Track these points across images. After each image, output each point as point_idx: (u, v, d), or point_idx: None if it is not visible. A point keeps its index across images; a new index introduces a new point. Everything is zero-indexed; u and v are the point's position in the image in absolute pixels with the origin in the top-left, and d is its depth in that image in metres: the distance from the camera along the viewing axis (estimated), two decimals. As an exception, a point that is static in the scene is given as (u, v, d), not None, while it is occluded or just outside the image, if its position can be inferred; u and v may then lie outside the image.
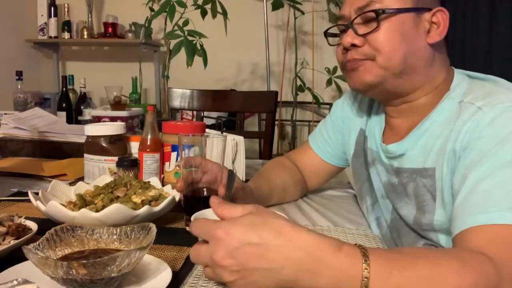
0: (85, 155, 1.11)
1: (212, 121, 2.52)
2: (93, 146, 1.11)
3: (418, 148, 0.84)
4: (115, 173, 1.05)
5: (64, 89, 2.56)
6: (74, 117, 2.47)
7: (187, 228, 0.83)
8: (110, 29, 3.11)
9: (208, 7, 2.36)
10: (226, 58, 3.05)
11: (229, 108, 2.23)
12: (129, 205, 0.78)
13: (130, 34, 3.11)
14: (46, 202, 0.78)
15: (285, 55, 3.07)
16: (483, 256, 0.56)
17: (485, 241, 0.60)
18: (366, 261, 0.51)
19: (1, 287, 0.50)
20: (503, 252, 0.58)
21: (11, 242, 0.67)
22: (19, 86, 2.51)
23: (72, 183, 1.00)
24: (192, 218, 0.71)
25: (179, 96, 1.98)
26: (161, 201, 0.83)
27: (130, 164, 1.02)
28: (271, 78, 2.95)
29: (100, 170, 1.09)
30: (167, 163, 1.07)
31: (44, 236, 0.59)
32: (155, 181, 0.94)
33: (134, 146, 1.14)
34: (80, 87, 2.51)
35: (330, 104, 2.84)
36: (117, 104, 1.59)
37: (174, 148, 1.06)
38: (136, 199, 0.82)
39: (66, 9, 3.17)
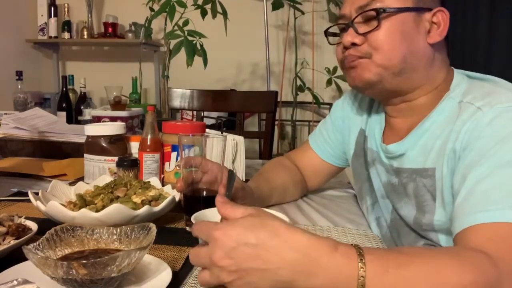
0: (85, 155, 1.11)
1: (212, 121, 2.52)
2: (93, 146, 1.11)
3: (418, 148, 0.84)
4: (115, 173, 1.05)
5: (64, 89, 2.56)
6: (74, 117, 2.47)
7: (187, 228, 0.83)
8: (110, 29, 3.11)
9: (208, 7, 2.36)
10: (226, 58, 3.05)
11: (229, 108, 2.23)
12: (129, 205, 0.78)
13: (130, 34, 3.11)
14: (46, 202, 0.78)
15: (285, 55, 3.07)
16: (482, 254, 0.56)
17: (485, 239, 0.60)
18: (361, 260, 0.51)
19: (1, 287, 0.50)
20: (503, 250, 0.58)
21: (11, 242, 0.67)
22: (19, 86, 2.51)
23: (72, 183, 1.00)
24: (192, 218, 0.71)
25: (179, 96, 1.98)
26: (161, 201, 0.83)
27: (130, 164, 1.02)
28: (271, 78, 2.95)
29: (100, 170, 1.09)
30: (167, 163, 1.07)
31: (44, 236, 0.59)
32: (155, 181, 0.94)
33: (134, 146, 1.14)
34: (80, 87, 2.51)
35: (330, 104, 2.84)
36: (117, 104, 1.59)
37: (174, 148, 1.06)
38: (136, 199, 0.82)
39: (66, 9, 3.17)
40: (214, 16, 2.34)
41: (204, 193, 0.84)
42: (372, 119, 0.98)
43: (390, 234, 0.96)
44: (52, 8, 3.13)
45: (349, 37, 0.83)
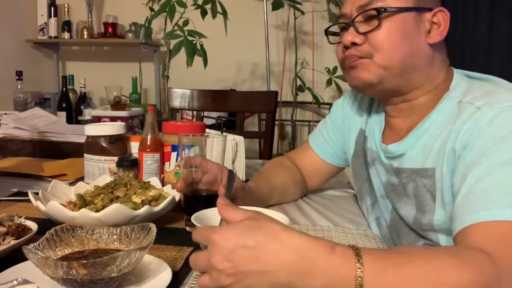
0: (85, 155, 1.11)
1: (212, 121, 2.52)
2: (93, 146, 1.11)
3: (418, 148, 0.84)
4: (115, 173, 1.05)
5: (64, 89, 2.56)
6: (74, 117, 2.47)
7: (187, 228, 0.83)
8: (110, 29, 3.11)
9: (208, 7, 2.36)
10: (226, 58, 3.05)
11: (229, 108, 2.23)
12: (129, 205, 0.78)
13: (130, 34, 3.11)
14: (46, 202, 0.78)
15: (285, 55, 3.07)
16: (482, 252, 0.56)
17: (485, 238, 0.61)
18: (359, 261, 0.51)
19: (1, 287, 0.50)
20: (503, 249, 0.58)
21: (11, 242, 0.67)
22: (19, 86, 2.51)
23: (72, 183, 1.00)
24: (192, 218, 0.71)
25: (179, 96, 1.98)
26: (161, 201, 0.83)
27: (130, 164, 1.02)
28: (271, 78, 2.95)
29: (100, 170, 1.09)
30: (167, 163, 1.07)
31: (44, 236, 0.59)
32: (155, 181, 0.94)
33: (134, 146, 1.14)
34: (80, 87, 2.51)
35: (330, 104, 2.84)
36: (117, 104, 1.59)
37: (174, 148, 1.06)
38: (136, 199, 0.82)
39: (66, 9, 3.17)
40: (214, 16, 2.34)
41: (204, 193, 0.84)
42: (372, 119, 0.98)
43: (390, 234, 0.96)
44: (52, 8, 3.13)
45: (350, 36, 0.83)
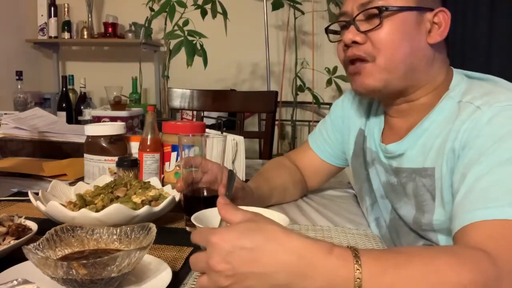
0: (85, 155, 1.11)
1: (212, 121, 2.52)
2: (93, 146, 1.11)
3: (418, 148, 0.84)
4: (115, 173, 1.05)
5: (64, 89, 2.56)
6: (74, 117, 2.47)
7: (187, 228, 0.83)
8: (110, 29, 3.11)
9: (208, 7, 2.36)
10: (226, 58, 3.05)
11: (229, 108, 2.23)
12: (129, 205, 0.78)
13: (130, 34, 3.11)
14: (46, 202, 0.78)
15: (285, 55, 3.07)
16: (482, 252, 0.56)
17: (484, 237, 0.60)
18: (357, 262, 0.51)
19: (1, 287, 0.50)
20: (502, 248, 0.58)
21: (11, 242, 0.67)
22: (19, 86, 2.51)
23: (72, 183, 1.00)
24: (192, 218, 0.71)
25: (179, 96, 1.98)
26: (161, 201, 0.83)
27: (130, 164, 1.02)
28: (271, 78, 2.95)
29: (100, 170, 1.09)
30: (167, 163, 1.07)
31: (44, 236, 0.59)
32: (155, 181, 0.94)
33: (134, 146, 1.14)
34: (80, 87, 2.51)
35: (330, 104, 2.83)
36: (117, 104, 1.59)
37: (174, 148, 1.06)
38: (136, 199, 0.82)
39: (66, 9, 3.17)
40: (214, 16, 2.34)
41: (204, 193, 0.84)
42: (371, 119, 0.98)
43: (389, 234, 0.95)
44: (52, 8, 3.13)
45: (350, 34, 0.83)
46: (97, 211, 0.75)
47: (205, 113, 2.20)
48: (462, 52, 2.89)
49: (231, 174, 0.79)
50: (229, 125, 2.64)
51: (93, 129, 1.12)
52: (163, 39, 2.87)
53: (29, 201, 0.81)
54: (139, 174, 1.06)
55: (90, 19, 3.19)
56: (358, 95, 0.97)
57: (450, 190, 0.76)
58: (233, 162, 1.16)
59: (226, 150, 0.87)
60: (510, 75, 0.90)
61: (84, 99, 2.46)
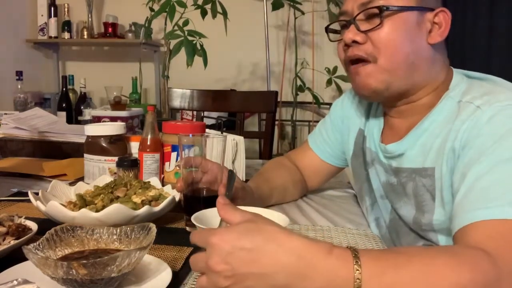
0: (85, 155, 1.11)
1: (212, 121, 2.52)
2: (93, 146, 1.11)
3: (417, 148, 0.84)
4: (115, 173, 1.05)
5: (64, 89, 2.57)
6: (74, 117, 2.47)
7: (187, 228, 0.83)
8: (110, 29, 3.11)
9: (208, 7, 2.36)
10: (226, 58, 3.05)
11: (229, 108, 2.23)
12: (129, 205, 0.78)
13: (130, 34, 3.11)
14: (46, 202, 0.78)
15: (285, 55, 3.07)
16: (481, 252, 0.56)
17: (484, 237, 0.60)
18: (357, 262, 0.51)
19: (1, 287, 0.50)
20: (502, 248, 0.58)
21: (11, 242, 0.67)
22: (19, 86, 2.51)
23: (72, 183, 1.00)
24: (192, 218, 0.71)
25: (179, 96, 1.98)
26: (161, 201, 0.83)
27: (130, 164, 1.02)
28: (271, 78, 2.95)
29: (100, 170, 1.09)
30: (167, 163, 1.07)
31: (44, 236, 0.59)
32: (155, 181, 0.94)
33: (134, 146, 1.14)
34: (80, 87, 2.51)
35: (330, 104, 2.82)
36: (117, 104, 1.59)
37: (174, 148, 1.06)
38: (136, 199, 0.82)
39: (66, 9, 3.17)
40: (214, 16, 2.34)
41: (204, 193, 0.84)
42: (371, 119, 0.98)
43: (389, 234, 0.95)
44: (52, 8, 3.13)
45: (351, 34, 0.82)
46: (97, 211, 0.75)
47: (205, 113, 2.20)
48: (462, 52, 2.89)
49: (231, 174, 0.79)
50: (229, 125, 2.64)
51: (93, 129, 1.12)
52: (163, 39, 2.87)
53: (29, 201, 0.81)
54: (139, 174, 1.06)
55: (90, 19, 3.19)
56: (359, 97, 0.96)
57: (450, 190, 0.76)
58: (233, 162, 1.16)
59: (226, 150, 0.87)
60: (510, 75, 0.90)
61: (84, 99, 2.46)
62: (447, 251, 0.58)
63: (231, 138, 1.15)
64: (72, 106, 2.56)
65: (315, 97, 2.82)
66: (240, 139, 1.17)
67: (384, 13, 0.80)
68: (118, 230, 0.63)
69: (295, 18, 2.91)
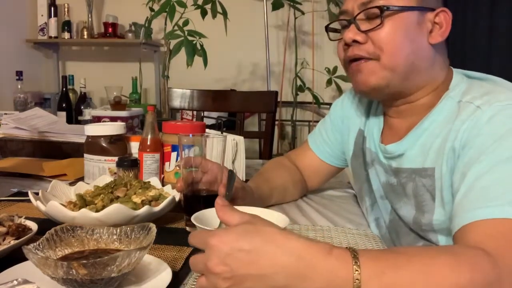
0: (85, 155, 1.11)
1: (212, 121, 2.52)
2: (93, 146, 1.11)
3: (417, 148, 0.84)
4: (115, 173, 1.05)
5: (64, 89, 2.57)
6: (74, 117, 2.47)
7: (187, 228, 0.83)
8: (110, 29, 3.11)
9: (208, 7, 2.36)
10: (226, 58, 3.05)
11: (229, 108, 2.23)
12: (129, 205, 0.78)
13: (130, 34, 3.11)
14: (46, 202, 0.78)
15: (285, 55, 3.07)
16: (481, 251, 0.56)
17: (484, 236, 0.60)
18: (356, 263, 0.51)
19: (1, 287, 0.50)
20: (503, 247, 0.58)
21: (11, 242, 0.67)
22: (19, 86, 2.51)
23: (72, 183, 1.00)
24: (192, 218, 0.71)
25: (179, 96, 1.98)
26: (161, 201, 0.83)
27: (130, 164, 1.02)
28: (271, 78, 2.95)
29: (100, 170, 1.09)
30: (167, 163, 1.07)
31: (44, 236, 0.59)
32: (155, 181, 0.94)
33: (134, 146, 1.14)
34: (80, 87, 2.51)
35: (330, 104, 2.81)
36: (117, 104, 1.59)
37: (174, 148, 1.06)
38: (136, 199, 0.82)
39: (66, 9, 3.17)
40: (214, 16, 2.34)
41: (204, 193, 0.84)
42: (370, 120, 0.98)
43: (389, 235, 0.95)
44: (52, 8, 3.13)
45: (351, 33, 0.82)
46: (97, 211, 0.75)
47: (205, 113, 2.20)
48: (462, 52, 2.89)
49: (231, 174, 0.79)
50: (229, 125, 2.64)
51: (93, 129, 1.12)
52: (163, 39, 2.86)
53: (29, 201, 0.81)
54: (139, 174, 1.06)
55: (90, 19, 3.19)
56: (359, 94, 0.96)
57: (450, 190, 0.76)
58: (233, 162, 1.16)
59: (226, 150, 0.87)
60: (510, 75, 0.90)
61: (84, 99, 2.46)
62: (447, 251, 0.58)
63: (231, 138, 1.15)
64: (72, 106, 2.56)
65: (315, 97, 2.82)
66: (240, 139, 1.17)
67: (385, 13, 0.80)
68: (118, 230, 0.63)
69: (295, 18, 2.91)
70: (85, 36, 3.15)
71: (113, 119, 1.49)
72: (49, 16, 3.14)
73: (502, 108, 0.71)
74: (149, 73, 3.16)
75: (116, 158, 1.04)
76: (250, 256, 0.51)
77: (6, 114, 1.61)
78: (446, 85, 0.84)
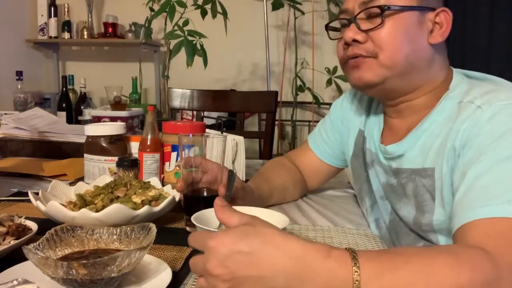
0: (85, 155, 1.11)
1: (212, 121, 2.52)
2: (93, 146, 1.11)
3: (417, 149, 0.84)
4: (115, 173, 1.05)
5: (64, 89, 2.57)
6: (74, 117, 2.47)
7: (187, 228, 0.83)
8: (110, 29, 3.11)
9: (208, 7, 2.36)
10: (226, 58, 3.05)
11: (229, 108, 2.23)
12: (129, 205, 0.78)
13: (130, 34, 3.11)
14: (46, 202, 0.78)
15: (285, 55, 3.07)
16: (481, 251, 0.56)
17: (484, 235, 0.60)
18: (356, 264, 0.51)
19: (1, 287, 0.50)
20: (502, 247, 0.58)
21: (11, 242, 0.67)
22: (19, 86, 2.51)
23: (72, 183, 1.00)
24: (192, 218, 0.71)
25: (179, 96, 1.98)
26: (161, 201, 0.83)
27: (130, 164, 1.02)
28: (271, 78, 2.95)
29: (100, 170, 1.09)
30: (167, 163, 1.07)
31: (44, 236, 0.59)
32: (155, 181, 0.94)
33: (134, 146, 1.14)
34: (80, 87, 2.51)
35: (330, 104, 2.81)
36: (117, 104, 1.59)
37: (174, 148, 1.06)
38: (136, 199, 0.82)
39: (66, 9, 3.17)
40: (214, 16, 2.34)
41: (204, 193, 0.84)
42: (371, 120, 0.98)
43: (389, 235, 0.95)
44: (52, 8, 3.13)
45: (351, 33, 0.82)
46: (97, 211, 0.75)
47: (205, 113, 2.20)
48: (462, 52, 2.89)
49: (231, 174, 0.79)
50: (229, 125, 2.64)
51: (93, 129, 1.12)
52: (163, 39, 2.87)
53: (29, 201, 0.81)
54: (139, 174, 1.06)
55: (90, 19, 3.19)
56: (355, 89, 0.96)
57: (450, 190, 0.76)
58: (233, 162, 1.16)
59: (226, 150, 0.87)
60: (510, 75, 0.90)
61: (84, 99, 2.46)
62: (446, 250, 0.58)
63: (231, 138, 1.15)
64: (72, 106, 2.56)
65: (315, 97, 2.82)
66: (240, 139, 1.17)
67: (385, 13, 0.80)
68: (118, 230, 0.63)
69: (295, 18, 2.91)
70: (85, 36, 3.15)
71: (113, 119, 1.49)
72: (49, 16, 3.14)
73: (502, 108, 0.71)
74: (149, 73, 3.16)
75: (116, 158, 1.04)
76: (249, 258, 0.50)
77: (6, 114, 1.61)
78: (446, 85, 0.84)
